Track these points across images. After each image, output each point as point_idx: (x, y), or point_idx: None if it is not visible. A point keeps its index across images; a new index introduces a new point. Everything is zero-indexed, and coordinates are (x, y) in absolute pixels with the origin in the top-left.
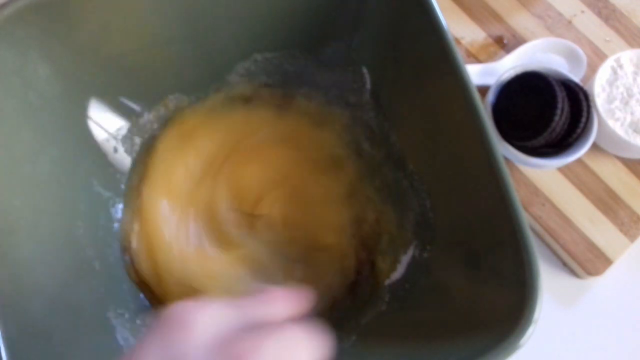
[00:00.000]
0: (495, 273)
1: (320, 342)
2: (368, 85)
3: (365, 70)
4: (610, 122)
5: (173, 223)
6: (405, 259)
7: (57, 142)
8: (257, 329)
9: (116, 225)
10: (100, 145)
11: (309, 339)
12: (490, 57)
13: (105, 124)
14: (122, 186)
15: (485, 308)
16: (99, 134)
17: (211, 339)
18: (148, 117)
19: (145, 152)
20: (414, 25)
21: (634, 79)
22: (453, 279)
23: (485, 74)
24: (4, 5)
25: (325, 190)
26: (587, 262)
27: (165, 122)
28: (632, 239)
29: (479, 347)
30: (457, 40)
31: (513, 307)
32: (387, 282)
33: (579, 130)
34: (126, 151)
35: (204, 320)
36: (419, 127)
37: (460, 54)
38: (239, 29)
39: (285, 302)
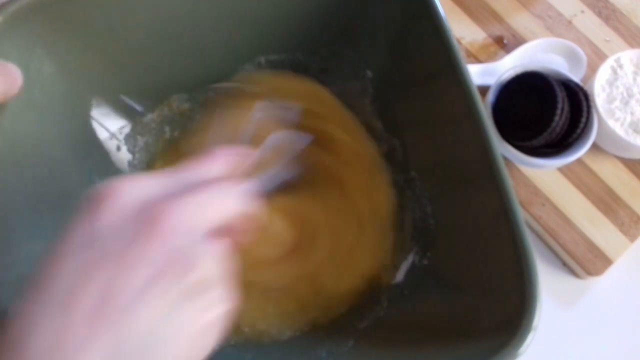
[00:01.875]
0: (494, 279)
1: (245, 196)
2: (371, 89)
3: (368, 74)
4: (610, 122)
5: None
6: (404, 265)
7: (60, 140)
8: (184, 190)
9: None
10: (103, 144)
11: (231, 193)
12: (491, 57)
13: (108, 122)
14: None
15: (484, 315)
16: (102, 133)
17: (133, 209)
18: (151, 116)
19: (148, 153)
20: (418, 30)
21: (634, 79)
22: (452, 285)
23: (486, 74)
24: (10, 3)
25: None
26: (587, 262)
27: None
28: (632, 239)
29: (477, 355)
30: (457, 40)
31: (512, 315)
32: (385, 287)
33: (579, 131)
34: (129, 150)
35: (125, 193)
36: (422, 131)
37: (463, 58)
38: (243, 30)
39: (219, 160)
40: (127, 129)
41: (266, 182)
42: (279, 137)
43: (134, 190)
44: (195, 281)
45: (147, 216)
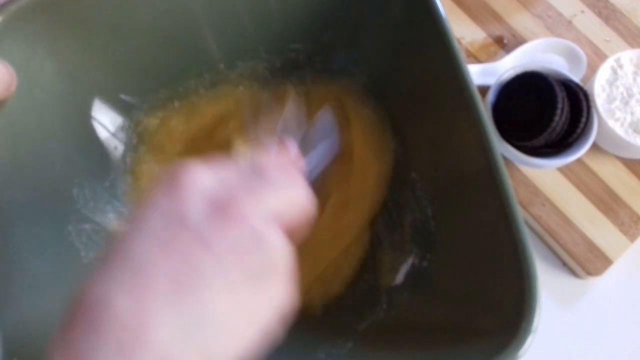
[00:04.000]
0: (494, 282)
1: (308, 190)
2: (370, 89)
3: (368, 74)
4: (610, 122)
5: None
6: (404, 267)
7: (59, 139)
8: (256, 179)
9: (115, 223)
10: (102, 143)
11: (300, 184)
12: (491, 57)
13: (108, 121)
14: (122, 184)
15: (484, 317)
16: (101, 132)
17: (212, 192)
18: (151, 115)
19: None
20: (418, 30)
21: (634, 79)
22: (452, 287)
23: (486, 74)
24: (10, 2)
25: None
26: (587, 262)
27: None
28: (632, 239)
29: (477, 357)
30: (458, 40)
31: (512, 316)
32: (385, 288)
33: (579, 130)
34: (127, 149)
35: (203, 176)
36: (422, 131)
37: (463, 58)
38: (242, 30)
39: (284, 152)
40: (126, 128)
41: (314, 169)
42: (324, 121)
43: (211, 174)
44: (264, 265)
45: (224, 202)
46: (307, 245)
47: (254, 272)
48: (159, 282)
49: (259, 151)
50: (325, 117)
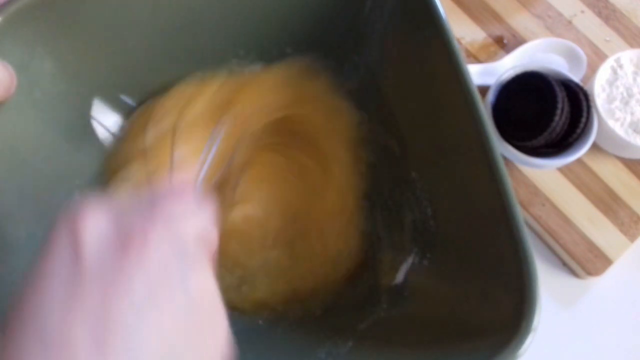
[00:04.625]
0: (494, 281)
1: (204, 208)
2: (370, 89)
3: (367, 74)
4: (610, 122)
5: None
6: (404, 266)
7: (60, 139)
8: (146, 207)
9: None
10: (102, 143)
11: (193, 205)
12: (490, 57)
13: (107, 121)
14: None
15: (484, 316)
16: (101, 131)
17: (103, 234)
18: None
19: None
20: (418, 30)
21: (634, 79)
22: (452, 286)
23: (485, 74)
24: (10, 2)
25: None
26: (587, 262)
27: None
28: (632, 239)
29: (477, 356)
30: (458, 40)
31: (512, 315)
32: (385, 288)
33: (579, 130)
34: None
35: (93, 220)
36: (421, 131)
37: (463, 58)
38: (242, 30)
39: (171, 184)
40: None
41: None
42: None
43: (107, 209)
44: (192, 298)
45: (129, 233)
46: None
47: (184, 315)
48: (76, 339)
49: (153, 182)
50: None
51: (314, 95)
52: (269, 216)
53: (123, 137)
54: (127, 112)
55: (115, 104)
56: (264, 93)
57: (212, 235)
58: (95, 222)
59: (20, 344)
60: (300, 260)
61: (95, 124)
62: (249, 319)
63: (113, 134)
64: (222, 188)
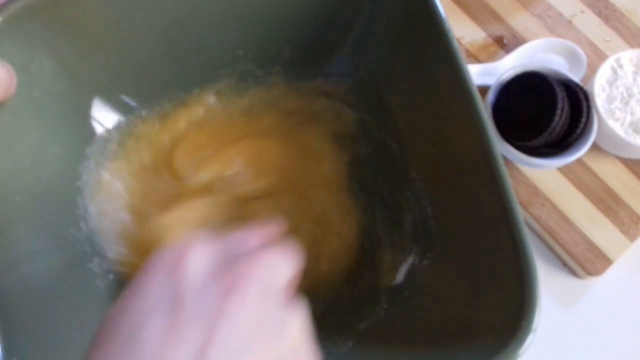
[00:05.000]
0: (494, 281)
1: (294, 258)
2: (370, 89)
3: (367, 74)
4: (610, 122)
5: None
6: (404, 266)
7: (59, 139)
8: (241, 257)
9: None
10: (102, 142)
11: (287, 256)
12: (491, 57)
13: (107, 121)
14: None
15: (484, 316)
16: (101, 131)
17: (204, 274)
18: (149, 115)
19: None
20: (418, 30)
21: (634, 79)
22: (452, 286)
23: (486, 74)
24: (11, 2)
25: (326, 195)
26: (587, 262)
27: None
28: (632, 239)
29: (478, 356)
30: (458, 40)
31: (512, 315)
32: (385, 288)
33: (579, 130)
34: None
35: (195, 258)
36: (421, 131)
37: (463, 58)
38: (241, 30)
39: (261, 234)
40: (125, 128)
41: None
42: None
43: (199, 255)
44: (287, 345)
45: (226, 283)
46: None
47: (279, 351)
48: None
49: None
50: None
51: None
52: None
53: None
54: (126, 112)
55: (115, 104)
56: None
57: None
58: (199, 260)
59: (114, 353)
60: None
61: (95, 124)
62: None
63: (114, 132)
64: None
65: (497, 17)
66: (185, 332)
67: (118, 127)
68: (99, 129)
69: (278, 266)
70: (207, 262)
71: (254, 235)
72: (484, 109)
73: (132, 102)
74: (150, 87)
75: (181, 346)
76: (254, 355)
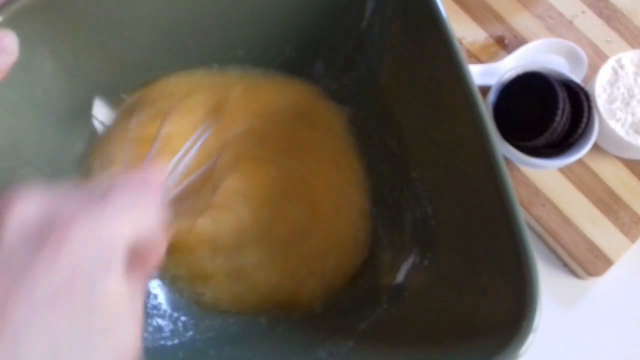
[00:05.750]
0: (494, 281)
1: (151, 209)
2: (370, 89)
3: (368, 74)
4: (611, 123)
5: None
6: (405, 266)
7: (60, 138)
8: (85, 200)
9: None
10: (102, 141)
11: (149, 199)
12: (491, 58)
13: (108, 121)
14: None
15: (485, 316)
16: (102, 131)
17: (38, 220)
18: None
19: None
20: (419, 30)
21: (635, 80)
22: (452, 286)
23: (486, 74)
24: (11, 2)
25: (326, 194)
26: (587, 262)
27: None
28: (632, 239)
29: (478, 356)
30: (459, 41)
31: (512, 315)
32: (386, 288)
33: (579, 131)
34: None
35: (28, 204)
36: (422, 131)
37: (464, 58)
38: (242, 29)
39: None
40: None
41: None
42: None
43: (43, 198)
44: (101, 314)
45: (52, 226)
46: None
47: (81, 314)
48: None
49: (113, 173)
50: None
51: (306, 110)
52: (248, 219)
53: (112, 125)
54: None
55: (116, 103)
56: (257, 97)
57: (156, 240)
58: (24, 209)
59: None
60: (292, 258)
61: (95, 123)
62: (249, 318)
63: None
64: (201, 189)
65: (498, 18)
66: None
67: (118, 126)
68: (100, 128)
69: (121, 213)
70: (35, 212)
71: (116, 189)
72: (485, 109)
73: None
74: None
75: None
76: (51, 312)
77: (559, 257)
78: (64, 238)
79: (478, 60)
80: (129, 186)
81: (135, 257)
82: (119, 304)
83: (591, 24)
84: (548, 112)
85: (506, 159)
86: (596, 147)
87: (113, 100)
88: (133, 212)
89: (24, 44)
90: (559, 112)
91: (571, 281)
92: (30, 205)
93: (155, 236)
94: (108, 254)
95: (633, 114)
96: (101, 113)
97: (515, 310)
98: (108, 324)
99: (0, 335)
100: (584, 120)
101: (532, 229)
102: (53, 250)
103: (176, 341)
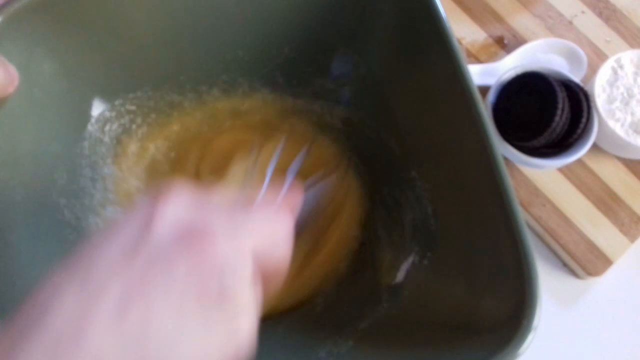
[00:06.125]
0: (494, 280)
1: (288, 234)
2: (370, 90)
3: (367, 75)
4: (611, 123)
5: None
6: (405, 266)
7: (59, 138)
8: (235, 210)
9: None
10: (102, 143)
11: (284, 225)
12: (491, 58)
13: (107, 121)
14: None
15: (484, 316)
16: (101, 131)
17: (182, 220)
18: (148, 115)
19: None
20: (418, 31)
21: (635, 80)
22: (452, 286)
23: (486, 74)
24: (11, 2)
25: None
26: (587, 262)
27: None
28: (632, 239)
29: (478, 355)
30: (458, 41)
31: (512, 314)
32: (386, 287)
33: (579, 131)
34: (124, 150)
35: (178, 203)
36: (422, 131)
37: (464, 58)
38: (242, 30)
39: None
40: (125, 128)
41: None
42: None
43: (191, 201)
44: (224, 296)
45: (199, 232)
46: None
47: (211, 302)
48: (109, 293)
49: (251, 185)
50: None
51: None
52: None
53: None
54: (126, 112)
55: (116, 104)
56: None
57: (281, 262)
58: (176, 210)
59: (69, 273)
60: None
61: (95, 123)
62: None
63: (115, 132)
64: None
65: (497, 18)
66: (129, 269)
67: (118, 126)
68: (99, 129)
69: (254, 228)
70: (184, 212)
71: (263, 192)
72: (485, 109)
73: (131, 105)
74: (151, 87)
75: (121, 277)
76: (186, 303)
77: (558, 257)
78: (208, 245)
79: (477, 60)
80: (269, 206)
81: (259, 270)
82: (244, 294)
83: (591, 24)
84: (547, 112)
85: (506, 159)
86: (595, 147)
87: (111, 99)
88: (267, 229)
89: (24, 44)
90: (559, 112)
91: (571, 281)
92: (181, 205)
93: (279, 256)
94: (242, 261)
95: (632, 114)
96: (99, 112)
97: (515, 310)
98: (234, 308)
99: (132, 313)
100: (584, 120)
101: (532, 228)
102: (197, 252)
103: None
